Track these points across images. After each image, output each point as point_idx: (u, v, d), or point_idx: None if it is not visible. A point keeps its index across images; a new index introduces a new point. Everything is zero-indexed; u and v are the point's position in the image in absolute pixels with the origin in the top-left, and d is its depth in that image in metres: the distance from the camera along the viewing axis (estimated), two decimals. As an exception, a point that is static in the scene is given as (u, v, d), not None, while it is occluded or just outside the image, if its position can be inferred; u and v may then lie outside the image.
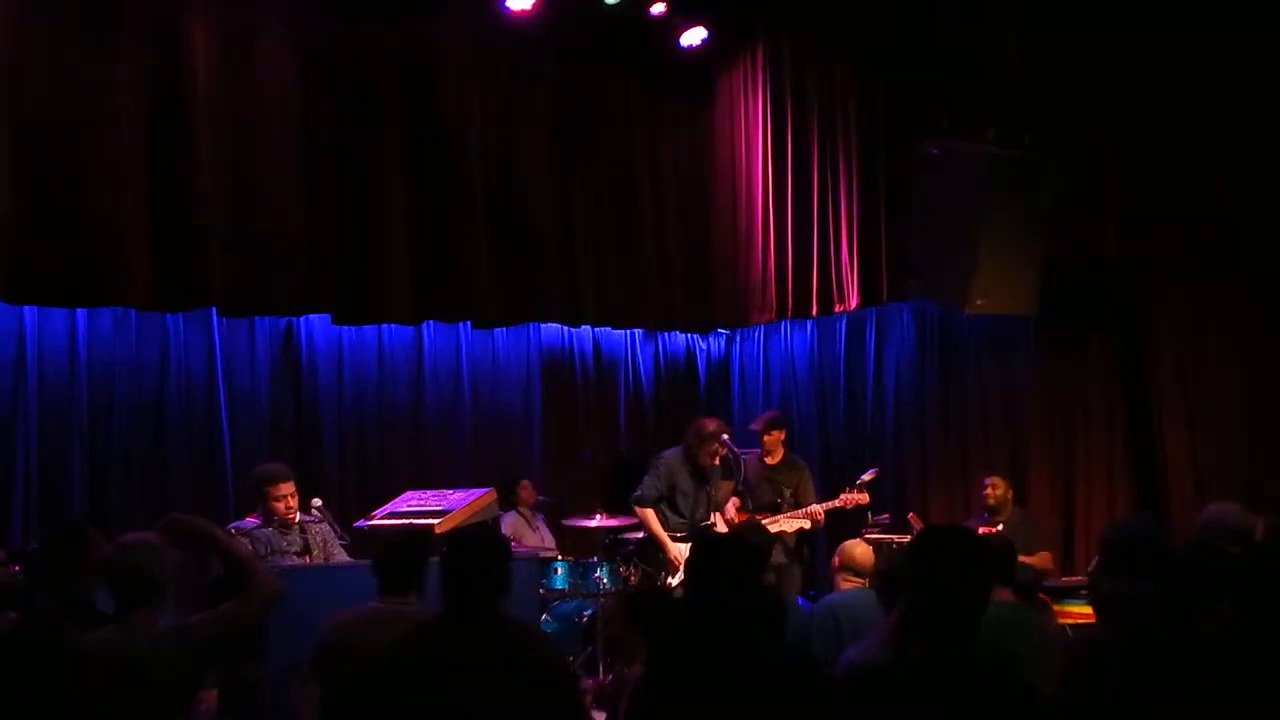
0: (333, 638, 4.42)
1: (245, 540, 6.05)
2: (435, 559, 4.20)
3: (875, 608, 5.49)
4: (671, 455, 8.46)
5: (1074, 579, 8.44)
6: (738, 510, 8.93)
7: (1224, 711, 3.01)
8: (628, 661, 4.73)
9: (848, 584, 5.86)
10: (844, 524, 9.08)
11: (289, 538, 6.35)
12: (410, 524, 6.71)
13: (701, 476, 8.40)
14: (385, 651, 3.84)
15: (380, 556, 4.60)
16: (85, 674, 3.72)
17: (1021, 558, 8.29)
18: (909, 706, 2.84)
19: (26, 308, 8.15)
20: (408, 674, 3.72)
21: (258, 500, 6.51)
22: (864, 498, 8.78)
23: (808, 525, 8.62)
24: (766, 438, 9.05)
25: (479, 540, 4.04)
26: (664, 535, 8.17)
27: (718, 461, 8.42)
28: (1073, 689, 3.26)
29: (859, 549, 5.99)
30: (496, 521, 8.82)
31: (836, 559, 6.00)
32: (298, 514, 6.46)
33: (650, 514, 8.25)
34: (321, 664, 4.43)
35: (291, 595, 5.32)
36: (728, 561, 3.85)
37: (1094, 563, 7.85)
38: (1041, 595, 7.98)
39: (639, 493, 8.34)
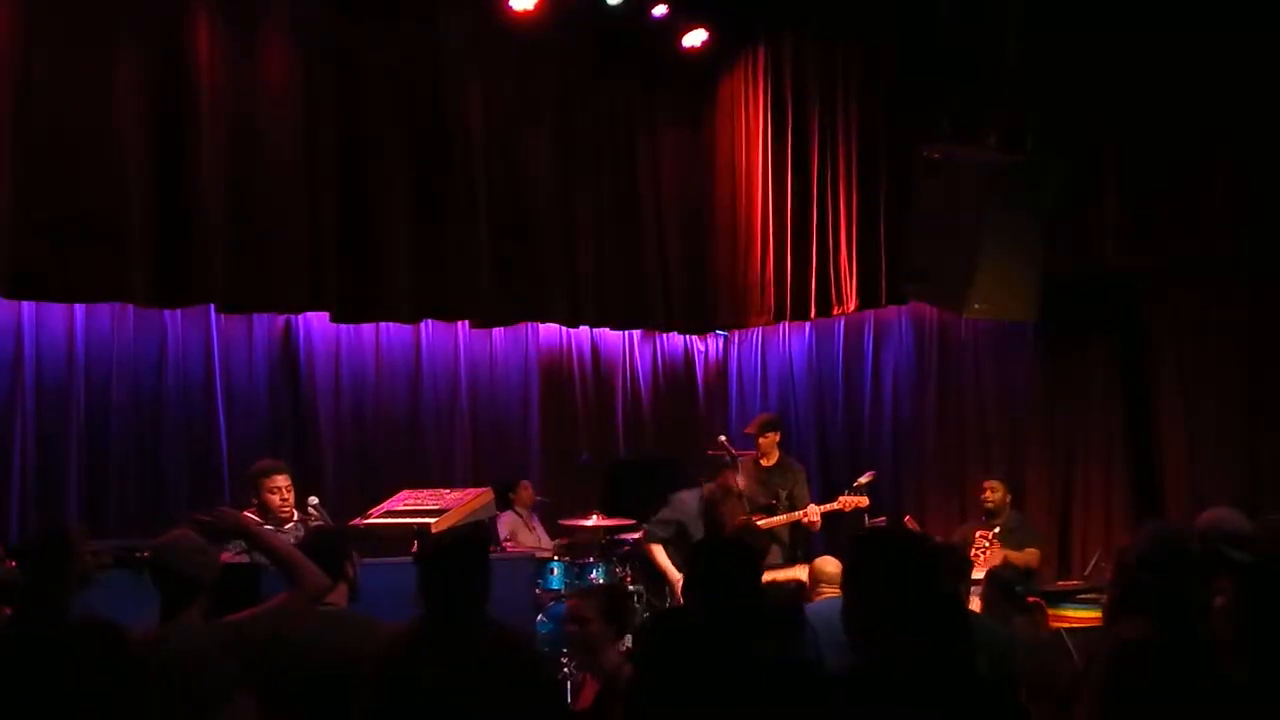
0: (261, 641, 4.33)
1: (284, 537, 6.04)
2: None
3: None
4: (690, 501, 8.24)
5: (1070, 583, 8.43)
6: (732, 512, 8.91)
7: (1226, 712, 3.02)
8: (593, 660, 4.66)
9: (822, 596, 5.90)
10: (842, 527, 9.09)
11: (283, 534, 6.32)
12: (408, 523, 6.70)
13: (717, 529, 8.21)
14: (377, 655, 3.80)
15: (304, 554, 4.55)
16: (133, 672, 3.72)
17: (1011, 554, 8.38)
18: (909, 707, 2.84)
19: (25, 303, 8.14)
20: (390, 676, 3.69)
21: (253, 496, 6.50)
22: (863, 501, 8.77)
23: (804, 519, 8.59)
24: (762, 440, 9.02)
25: (455, 542, 4.00)
26: (671, 570, 8.08)
27: (741, 520, 8.19)
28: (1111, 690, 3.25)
29: (830, 564, 6.04)
30: (493, 521, 8.82)
31: (808, 577, 6.04)
32: (294, 510, 6.44)
33: (657, 549, 8.08)
34: (256, 668, 4.32)
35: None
36: (724, 564, 3.83)
37: (1093, 562, 7.83)
38: (1034, 598, 7.99)
39: (649, 529, 8.19)
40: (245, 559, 5.66)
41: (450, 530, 5.84)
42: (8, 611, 4.55)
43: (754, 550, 4.89)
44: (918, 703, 2.86)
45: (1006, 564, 8.23)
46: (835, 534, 8.99)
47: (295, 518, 6.46)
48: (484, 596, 3.84)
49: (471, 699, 3.57)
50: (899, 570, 3.06)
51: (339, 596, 4.37)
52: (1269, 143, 8.07)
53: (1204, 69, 8.25)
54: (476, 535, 4.72)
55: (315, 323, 9.42)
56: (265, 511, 6.37)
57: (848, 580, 3.20)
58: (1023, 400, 9.63)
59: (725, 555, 3.88)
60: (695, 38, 10.79)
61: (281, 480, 6.38)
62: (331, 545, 4.51)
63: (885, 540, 3.24)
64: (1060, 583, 8.56)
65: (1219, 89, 8.21)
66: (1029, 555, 8.48)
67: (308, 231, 8.86)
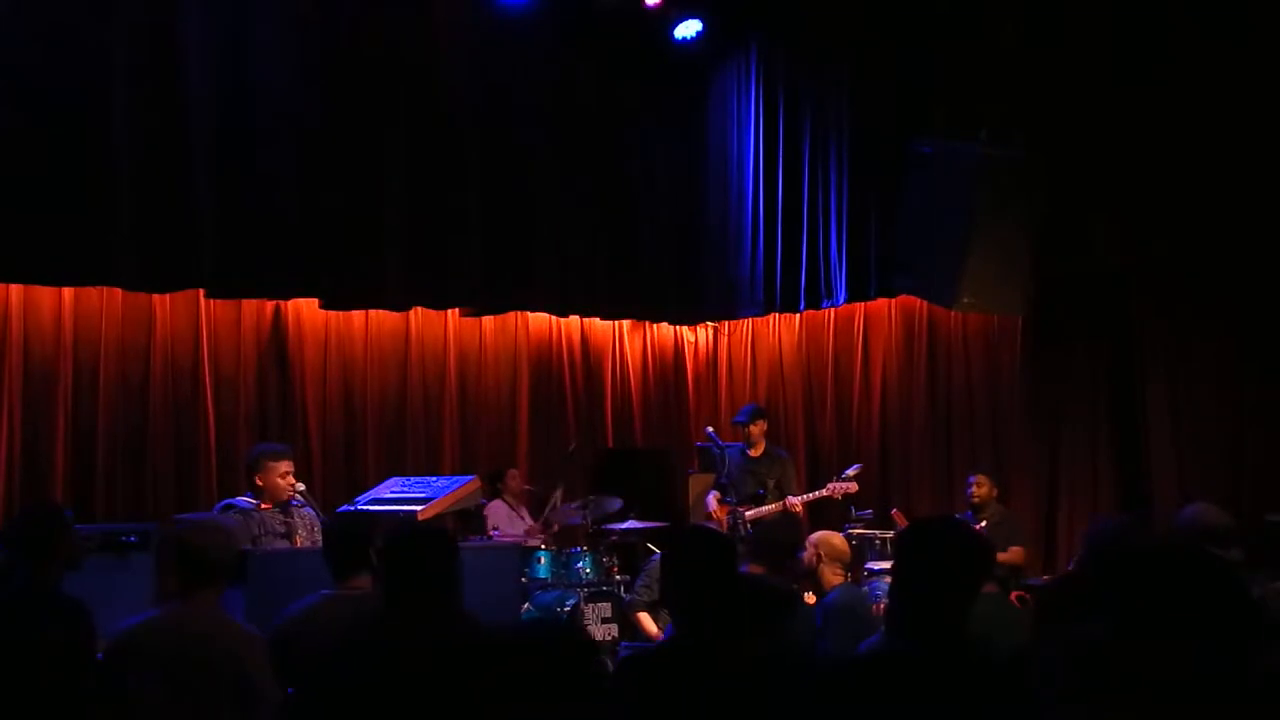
0: (290, 628, 4.33)
1: (239, 518, 6.04)
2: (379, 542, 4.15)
3: (865, 603, 5.51)
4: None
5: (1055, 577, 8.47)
6: (720, 503, 8.93)
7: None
8: None
9: (836, 576, 5.86)
10: (828, 515, 9.12)
11: (278, 518, 6.33)
12: (395, 510, 6.69)
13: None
14: (334, 647, 3.77)
15: (328, 542, 4.55)
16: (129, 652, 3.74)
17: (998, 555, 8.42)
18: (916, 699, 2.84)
19: (13, 285, 8.12)
20: (352, 672, 3.64)
21: (253, 477, 6.47)
22: (853, 486, 8.80)
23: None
24: (752, 428, 9.05)
25: (422, 536, 3.96)
26: (658, 635, 8.03)
27: None
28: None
29: (838, 539, 6.01)
30: (479, 510, 8.84)
31: (816, 550, 5.95)
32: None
33: (643, 616, 7.98)
34: (279, 654, 4.31)
35: (279, 578, 5.31)
36: (702, 554, 3.77)
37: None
38: (1022, 592, 8.02)
39: (629, 599, 8.10)
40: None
41: (409, 522, 5.82)
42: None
43: (730, 539, 4.85)
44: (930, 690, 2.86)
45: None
46: (822, 520, 9.02)
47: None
48: (449, 591, 3.77)
49: (434, 697, 3.50)
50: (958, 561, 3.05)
51: (364, 582, 4.35)
52: (1258, 143, 8.08)
53: (1195, 69, 8.26)
54: (441, 529, 4.65)
55: (305, 309, 9.40)
56: (260, 493, 6.37)
57: (900, 570, 3.18)
58: (1010, 395, 9.65)
59: (702, 544, 3.82)
60: (689, 29, 10.78)
61: (288, 466, 6.39)
62: (357, 537, 4.48)
63: (947, 531, 3.20)
64: (1046, 577, 8.59)
65: (1210, 88, 8.23)
66: (1014, 554, 8.52)
67: (298, 217, 8.83)
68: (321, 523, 6.57)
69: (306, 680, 3.88)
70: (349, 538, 4.44)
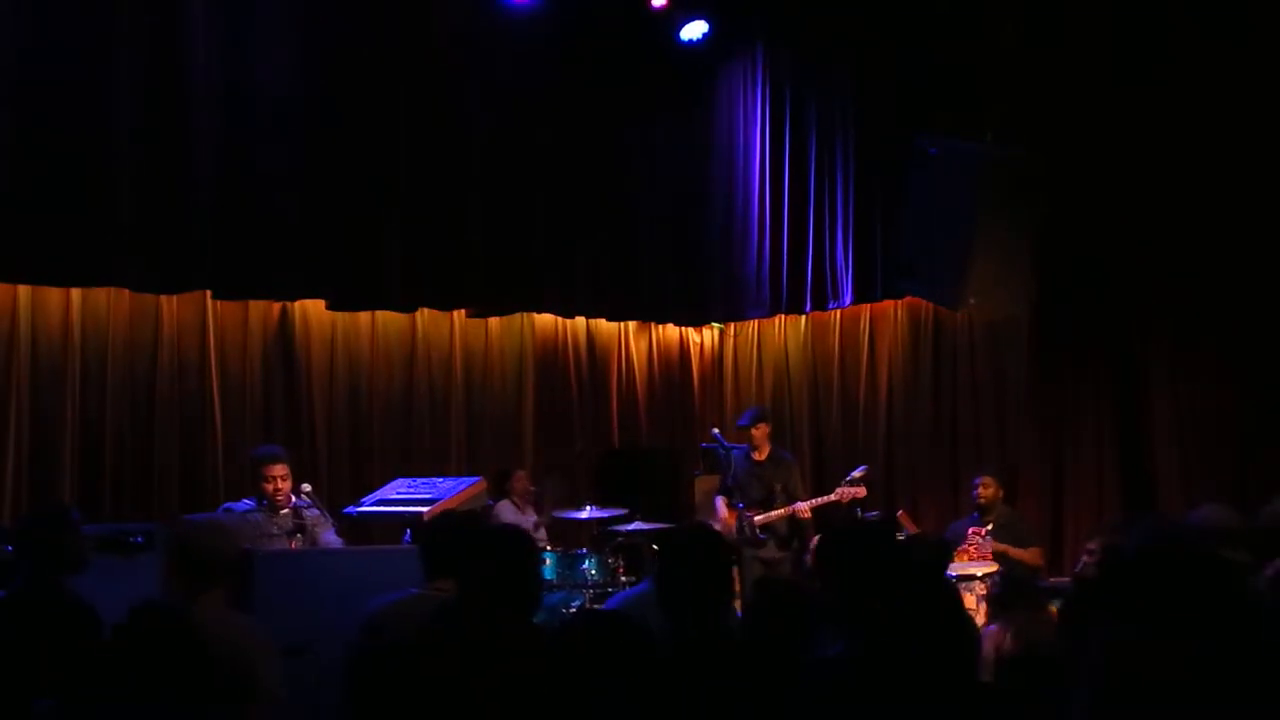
0: (373, 622, 4.32)
1: (234, 520, 6.07)
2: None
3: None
4: None
5: (1063, 579, 8.44)
6: (728, 507, 8.92)
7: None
8: None
9: None
10: (835, 517, 9.10)
11: (278, 520, 6.35)
12: (401, 511, 6.70)
13: None
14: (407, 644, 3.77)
15: (421, 543, 4.50)
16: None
17: (1012, 550, 8.41)
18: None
19: (21, 285, 8.15)
20: (418, 669, 3.65)
21: (255, 481, 6.52)
22: (861, 491, 8.78)
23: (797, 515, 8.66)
24: (755, 431, 9.03)
25: (497, 537, 3.96)
26: None
27: None
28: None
29: None
30: (486, 510, 8.84)
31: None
32: (290, 497, 6.46)
33: None
34: (365, 647, 4.30)
35: (281, 579, 5.34)
36: (697, 552, 3.77)
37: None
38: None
39: None
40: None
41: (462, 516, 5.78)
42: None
43: (726, 541, 4.84)
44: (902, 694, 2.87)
45: (1019, 562, 8.29)
46: (830, 521, 9.01)
47: (291, 503, 6.49)
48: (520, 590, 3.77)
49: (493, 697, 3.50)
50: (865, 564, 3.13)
51: (449, 585, 4.34)
52: (1258, 143, 8.08)
53: (1195, 69, 8.26)
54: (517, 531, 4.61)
55: (311, 310, 9.42)
56: (260, 498, 6.40)
57: (819, 575, 3.27)
58: (1016, 397, 9.64)
59: (696, 541, 3.83)
60: (694, 30, 10.78)
61: (278, 470, 6.40)
62: (451, 535, 4.44)
63: (851, 535, 3.30)
64: (1053, 579, 8.57)
65: (1210, 88, 8.22)
66: (1032, 554, 8.50)
67: (303, 218, 8.86)
68: (330, 524, 6.62)
69: (380, 674, 3.88)
70: (444, 540, 4.41)
